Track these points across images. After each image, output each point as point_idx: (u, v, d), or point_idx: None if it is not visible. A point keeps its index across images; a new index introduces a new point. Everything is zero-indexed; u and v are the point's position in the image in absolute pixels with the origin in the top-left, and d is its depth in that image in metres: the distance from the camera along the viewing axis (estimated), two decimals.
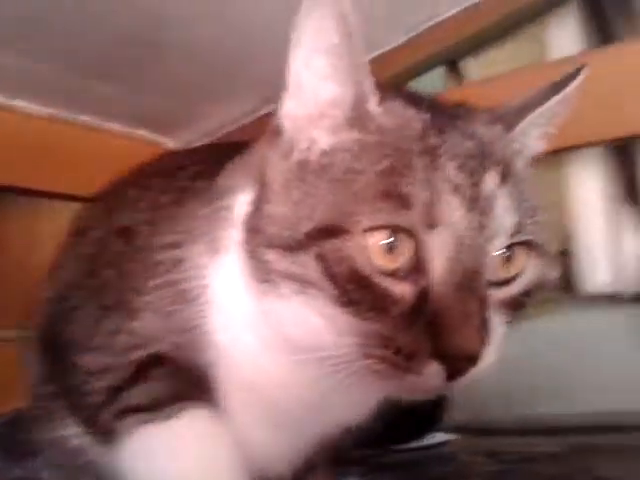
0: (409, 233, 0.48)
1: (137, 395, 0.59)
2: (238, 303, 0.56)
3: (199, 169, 0.66)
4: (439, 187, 0.48)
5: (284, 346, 0.54)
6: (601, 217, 1.08)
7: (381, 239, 0.48)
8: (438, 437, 1.17)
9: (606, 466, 0.97)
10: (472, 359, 0.48)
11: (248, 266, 0.54)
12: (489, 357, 0.49)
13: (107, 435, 0.59)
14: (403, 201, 0.48)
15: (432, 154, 0.50)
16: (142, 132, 1.19)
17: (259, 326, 0.55)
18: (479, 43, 1.03)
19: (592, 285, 1.08)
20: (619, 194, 1.14)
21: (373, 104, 0.52)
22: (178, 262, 0.58)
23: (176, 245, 0.59)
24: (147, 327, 0.58)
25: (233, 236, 0.56)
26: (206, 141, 1.22)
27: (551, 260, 0.56)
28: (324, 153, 0.52)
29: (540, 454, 1.09)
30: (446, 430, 1.23)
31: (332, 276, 0.48)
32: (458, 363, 0.48)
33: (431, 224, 0.48)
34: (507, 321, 0.52)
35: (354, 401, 0.59)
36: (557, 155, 1.09)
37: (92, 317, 0.62)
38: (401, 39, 0.95)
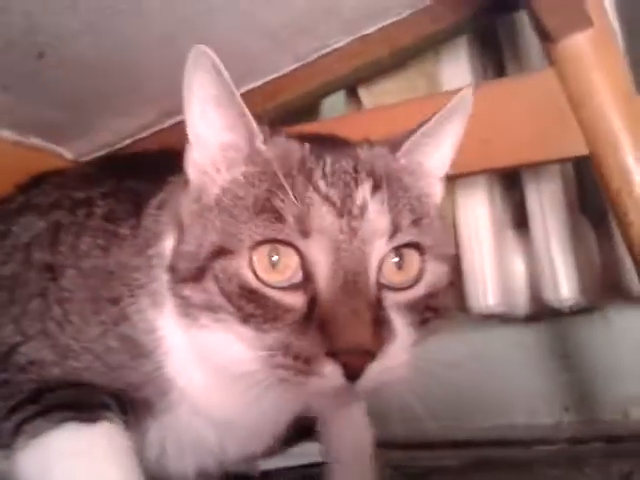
0: (288, 245, 0.53)
1: (60, 396, 0.61)
2: (183, 343, 0.60)
3: (110, 207, 0.69)
4: (309, 200, 0.53)
5: (215, 371, 0.60)
6: (489, 241, 1.13)
7: (265, 255, 0.53)
8: None
9: (501, 478, 1.02)
10: (366, 353, 0.51)
11: (173, 304, 0.59)
12: (394, 357, 0.53)
13: (15, 438, 0.59)
14: (277, 216, 0.53)
15: (306, 175, 0.55)
16: (36, 141, 1.15)
17: (196, 359, 0.60)
18: (371, 73, 1.07)
19: (481, 306, 1.13)
20: (507, 218, 1.21)
21: (259, 142, 0.58)
22: (123, 317, 0.62)
23: (116, 300, 0.62)
24: (92, 371, 0.62)
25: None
26: (103, 152, 1.19)
27: (450, 262, 0.60)
28: (221, 189, 0.58)
29: (441, 468, 1.13)
30: None
31: (226, 295, 0.53)
32: (352, 359, 0.50)
33: (304, 232, 0.52)
34: (416, 324, 0.56)
35: (281, 410, 0.65)
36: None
37: (9, 339, 0.64)
38: (292, 66, 0.98)
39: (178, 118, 1.15)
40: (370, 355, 0.51)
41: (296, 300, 0.53)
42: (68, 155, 1.21)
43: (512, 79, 0.96)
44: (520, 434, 1.37)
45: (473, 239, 1.13)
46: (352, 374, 0.51)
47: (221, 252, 0.54)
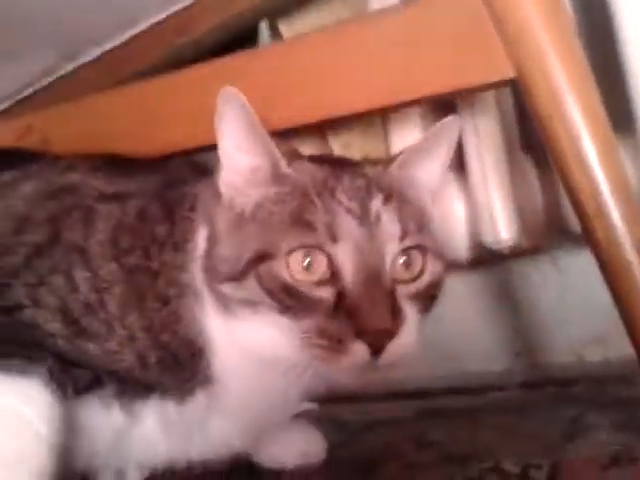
0: (319, 249, 0.64)
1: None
2: (224, 337, 0.70)
3: (140, 207, 0.75)
4: (335, 211, 0.65)
5: (253, 359, 0.69)
6: None
7: (300, 258, 0.64)
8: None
9: (439, 430, 0.98)
10: (387, 334, 0.62)
11: (211, 300, 0.69)
12: (406, 336, 0.64)
13: None
14: (309, 226, 0.65)
15: (331, 191, 0.67)
16: None
17: (236, 350, 0.70)
18: (290, 4, 0.99)
19: None
20: None
21: (284, 167, 0.69)
22: (177, 318, 0.70)
23: (165, 300, 0.70)
24: (113, 360, 0.69)
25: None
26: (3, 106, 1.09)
27: (444, 260, 0.73)
28: (255, 205, 0.69)
29: (382, 420, 1.09)
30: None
31: (269, 291, 0.64)
32: (377, 338, 0.62)
33: (334, 239, 0.64)
34: (421, 310, 0.68)
35: (307, 390, 0.74)
36: (380, 117, 1.07)
37: (17, 299, 0.69)
38: None
39: (80, 61, 1.05)
40: (389, 335, 0.62)
41: (326, 293, 0.64)
42: None
43: None
44: (472, 382, 1.33)
45: None
46: (376, 351, 0.62)
47: (263, 257, 0.65)
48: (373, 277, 0.64)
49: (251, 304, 0.65)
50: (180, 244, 0.73)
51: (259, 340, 0.67)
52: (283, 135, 1.05)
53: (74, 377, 0.68)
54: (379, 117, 1.07)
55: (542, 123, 0.70)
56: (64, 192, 0.75)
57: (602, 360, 1.27)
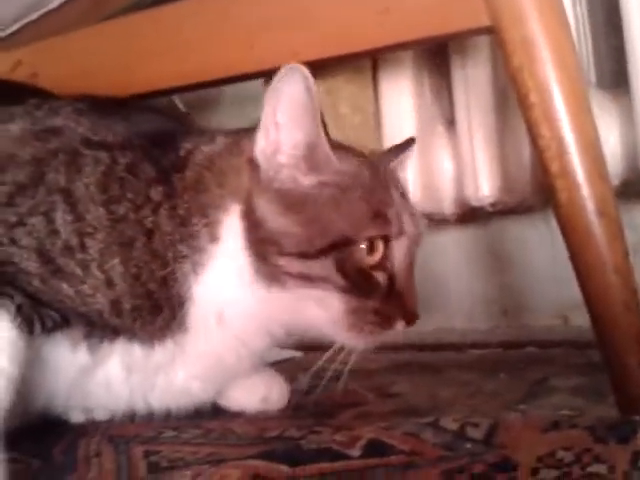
0: (386, 239, 0.71)
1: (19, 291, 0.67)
2: (230, 300, 0.73)
3: (130, 160, 0.73)
4: (400, 209, 0.73)
5: (278, 330, 0.76)
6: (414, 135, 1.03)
7: (368, 246, 0.70)
8: (280, 354, 1.16)
9: (404, 383, 0.98)
10: (416, 315, 0.73)
11: (255, 268, 0.71)
12: None
13: None
14: (385, 219, 0.71)
15: (386, 188, 0.74)
16: None
17: (250, 315, 0.74)
18: None
19: None
20: (437, 112, 1.10)
21: (329, 152, 0.72)
22: (167, 273, 0.71)
23: (164, 260, 0.71)
24: (85, 301, 0.69)
25: (227, 247, 0.72)
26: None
27: None
28: (314, 186, 0.71)
29: (354, 370, 1.09)
30: (291, 347, 1.22)
31: (345, 272, 0.69)
32: (412, 318, 0.72)
33: (400, 233, 0.72)
34: None
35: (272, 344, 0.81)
36: (370, 64, 1.03)
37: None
38: None
39: None
40: (417, 315, 0.73)
41: (383, 278, 0.72)
42: None
43: None
44: (454, 338, 1.33)
45: (396, 133, 1.03)
46: (408, 327, 0.73)
47: (347, 242, 0.70)
48: (411, 267, 0.75)
49: (312, 280, 0.70)
50: (183, 220, 0.72)
51: (302, 312, 0.73)
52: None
53: (43, 316, 0.69)
54: (368, 64, 1.04)
55: (513, 75, 0.67)
56: (49, 133, 0.74)
57: (586, 324, 1.25)
